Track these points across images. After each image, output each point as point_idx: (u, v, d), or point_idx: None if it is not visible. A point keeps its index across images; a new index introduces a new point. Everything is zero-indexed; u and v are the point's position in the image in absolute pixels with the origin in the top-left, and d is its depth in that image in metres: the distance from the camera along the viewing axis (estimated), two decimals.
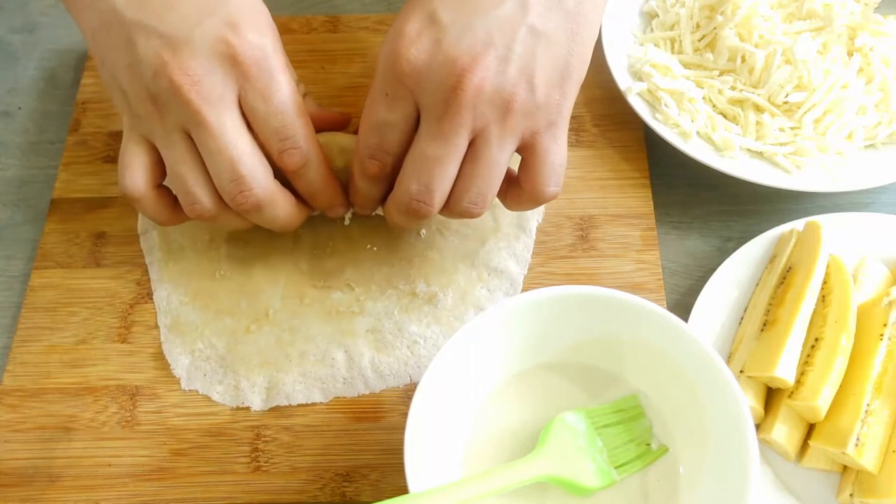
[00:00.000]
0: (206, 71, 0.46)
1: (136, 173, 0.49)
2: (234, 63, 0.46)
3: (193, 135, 0.47)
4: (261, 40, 0.47)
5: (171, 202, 0.51)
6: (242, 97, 0.47)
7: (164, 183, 0.50)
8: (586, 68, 0.48)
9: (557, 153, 0.48)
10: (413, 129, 0.47)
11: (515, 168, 0.49)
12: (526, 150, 0.47)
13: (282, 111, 0.47)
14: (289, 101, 0.48)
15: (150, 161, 0.49)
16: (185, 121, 0.46)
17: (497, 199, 0.50)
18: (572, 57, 0.46)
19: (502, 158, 0.47)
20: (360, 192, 0.51)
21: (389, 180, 0.50)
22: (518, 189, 0.49)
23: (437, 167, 0.46)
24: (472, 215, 0.48)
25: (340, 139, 0.53)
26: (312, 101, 0.57)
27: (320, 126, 0.53)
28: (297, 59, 0.66)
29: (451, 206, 0.48)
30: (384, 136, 0.48)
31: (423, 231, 0.57)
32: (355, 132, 0.50)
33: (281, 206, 0.50)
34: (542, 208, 0.59)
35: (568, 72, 0.46)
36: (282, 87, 0.47)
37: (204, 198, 0.48)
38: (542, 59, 0.45)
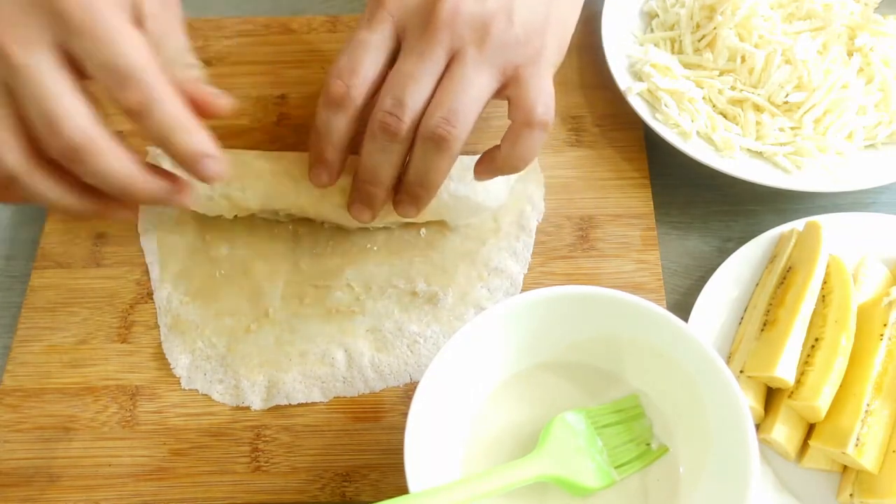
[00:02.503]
0: (22, 16, 0.41)
1: None
2: (51, 9, 0.42)
3: (13, 84, 0.42)
4: None
5: None
6: (69, 44, 0.42)
7: None
8: (570, 28, 0.50)
9: (542, 82, 0.48)
10: (389, 60, 0.48)
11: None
12: (510, 84, 0.48)
13: (114, 48, 0.42)
14: (123, 39, 0.42)
15: None
16: (3, 70, 0.42)
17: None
18: (552, 7, 0.49)
19: (478, 81, 0.47)
20: (321, 127, 0.49)
21: (353, 121, 0.49)
22: (511, 128, 0.49)
23: (411, 81, 0.47)
24: (443, 140, 0.47)
25: (341, 180, 0.54)
26: (201, 82, 0.48)
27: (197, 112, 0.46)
28: (297, 59, 0.66)
29: (424, 124, 0.47)
30: (356, 57, 0.48)
31: (424, 231, 0.57)
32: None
33: (107, 157, 0.42)
34: (542, 208, 0.59)
35: (547, 22, 0.49)
36: (112, 26, 0.42)
37: (8, 153, 0.42)
38: (521, 3, 0.48)
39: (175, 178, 0.47)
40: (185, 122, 0.44)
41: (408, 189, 0.51)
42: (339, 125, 0.49)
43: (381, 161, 0.49)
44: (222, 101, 0.47)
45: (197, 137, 0.44)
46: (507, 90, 0.49)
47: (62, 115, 0.42)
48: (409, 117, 0.47)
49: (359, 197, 0.52)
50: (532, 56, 0.49)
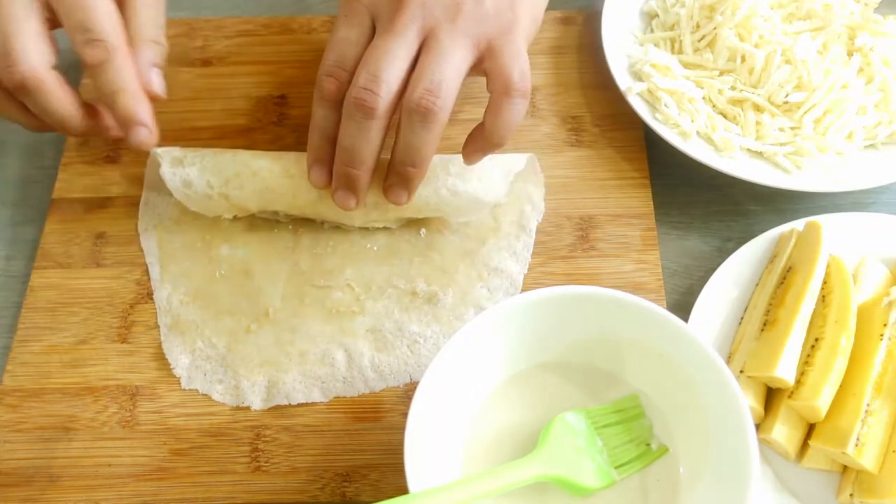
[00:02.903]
0: None
1: None
2: None
3: None
4: None
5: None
6: None
7: None
8: (541, 2, 0.52)
9: (517, 52, 0.49)
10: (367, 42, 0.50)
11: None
12: (485, 56, 0.49)
13: (89, 6, 0.48)
14: (98, 6, 0.49)
15: None
16: None
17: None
18: None
19: (456, 53, 0.48)
20: (317, 123, 0.51)
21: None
22: (491, 101, 0.49)
23: (384, 56, 0.48)
24: (429, 111, 0.48)
25: None
26: (156, 61, 0.53)
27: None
28: (298, 59, 0.66)
29: (407, 98, 0.48)
30: (341, 52, 0.50)
31: (423, 231, 0.57)
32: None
33: (52, 95, 0.49)
34: (542, 208, 0.59)
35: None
36: None
37: None
38: None
39: (103, 118, 0.53)
40: (131, 88, 0.50)
41: (397, 170, 0.51)
42: (330, 121, 0.51)
43: (360, 140, 0.50)
44: (154, 85, 0.52)
45: (137, 105, 0.50)
46: (484, 63, 0.50)
47: (19, 52, 0.48)
48: (384, 91, 0.48)
49: (341, 182, 0.52)
50: (505, 27, 0.49)
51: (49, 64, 0.49)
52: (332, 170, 0.52)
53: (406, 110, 0.48)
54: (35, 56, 0.48)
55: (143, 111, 0.50)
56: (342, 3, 0.51)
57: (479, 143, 0.51)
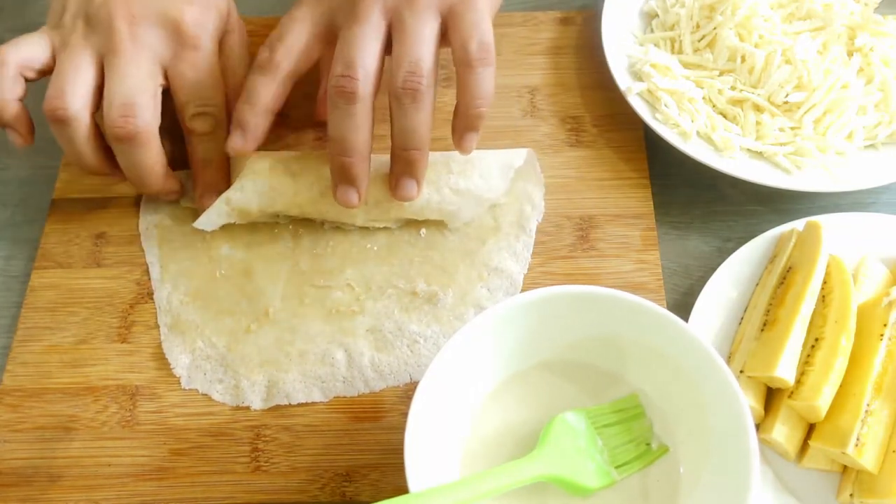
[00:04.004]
0: (148, 24, 0.52)
1: (78, 89, 0.51)
2: (177, 31, 0.53)
3: (106, 61, 0.51)
4: (204, 19, 0.54)
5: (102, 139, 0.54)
6: (173, 63, 0.53)
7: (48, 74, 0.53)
8: None
9: (477, 19, 0.50)
10: (317, 42, 0.52)
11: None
12: (448, 24, 0.50)
13: (207, 82, 0.54)
14: (215, 78, 0.55)
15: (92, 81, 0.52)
16: (105, 46, 0.51)
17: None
18: None
19: (425, 29, 0.50)
20: (246, 91, 0.53)
21: (279, 86, 0.53)
22: (457, 76, 0.50)
23: (356, 42, 0.49)
24: (415, 91, 0.49)
25: None
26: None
27: None
28: None
29: (392, 85, 0.49)
30: (284, 29, 0.53)
31: (423, 231, 0.57)
32: None
33: (151, 152, 0.52)
34: (542, 208, 0.59)
35: None
36: (211, 65, 0.54)
37: (73, 97, 0.51)
38: None
39: (181, 188, 0.58)
40: (221, 159, 0.56)
41: (401, 157, 0.52)
42: (264, 89, 0.53)
43: (348, 128, 0.50)
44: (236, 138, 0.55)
45: (222, 174, 0.57)
46: (448, 33, 0.50)
47: (139, 106, 0.51)
48: (361, 74, 0.49)
49: (339, 176, 0.52)
50: None
51: (157, 125, 0.53)
52: (251, 134, 0.54)
53: (394, 97, 0.49)
54: (150, 114, 0.52)
55: (224, 181, 0.57)
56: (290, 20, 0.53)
57: (460, 122, 0.52)
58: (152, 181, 0.54)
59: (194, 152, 0.56)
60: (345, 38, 0.50)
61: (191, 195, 0.58)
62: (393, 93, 0.49)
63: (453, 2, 0.50)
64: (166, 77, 0.54)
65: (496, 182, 0.55)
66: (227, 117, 0.55)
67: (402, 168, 0.52)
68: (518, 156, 0.56)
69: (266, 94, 0.53)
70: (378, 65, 0.50)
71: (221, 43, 0.57)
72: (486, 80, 0.50)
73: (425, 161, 0.52)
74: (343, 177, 0.52)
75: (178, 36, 0.53)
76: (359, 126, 0.50)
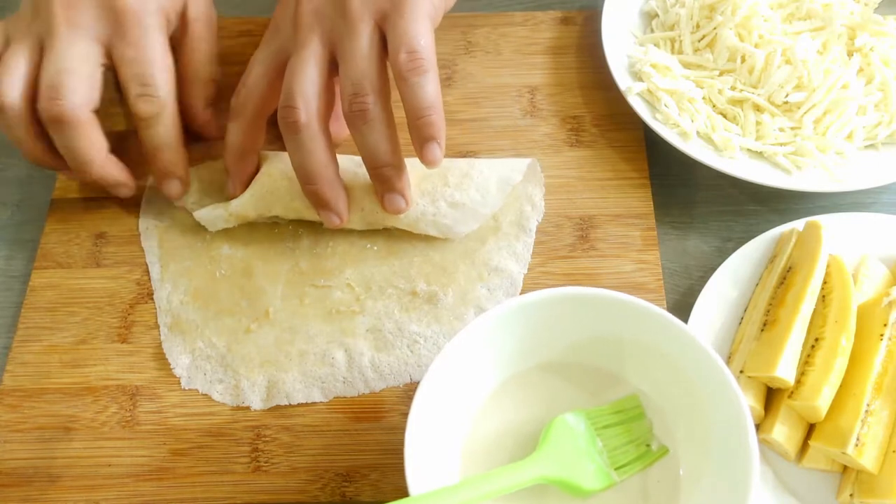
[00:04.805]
0: (85, 5, 0.51)
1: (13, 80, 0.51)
2: (112, 12, 0.51)
3: (46, 45, 0.51)
4: (143, 1, 0.52)
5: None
6: (113, 45, 0.52)
7: None
8: None
9: (409, 27, 0.48)
10: (277, 79, 0.52)
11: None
12: (383, 28, 0.49)
13: (148, 62, 0.52)
14: (158, 57, 0.52)
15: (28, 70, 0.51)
16: (44, 30, 0.51)
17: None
18: None
19: (362, 46, 0.49)
20: (225, 135, 0.54)
21: (252, 130, 0.54)
22: (396, 84, 0.49)
23: (294, 72, 0.49)
24: (364, 112, 0.48)
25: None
26: (209, 100, 0.59)
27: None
28: None
29: (345, 110, 0.49)
30: (247, 72, 0.54)
31: None
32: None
33: (84, 135, 0.51)
34: (542, 208, 0.59)
35: None
36: (154, 44, 0.52)
37: (9, 87, 0.50)
38: None
39: (127, 176, 0.56)
40: (174, 143, 0.54)
41: (375, 176, 0.52)
42: (233, 136, 0.54)
43: (302, 156, 0.50)
44: (210, 127, 0.58)
45: (177, 160, 0.54)
46: (384, 32, 0.50)
47: (67, 88, 0.50)
48: (301, 103, 0.49)
49: (314, 204, 0.53)
50: (394, 1, 0.49)
51: (91, 107, 0.51)
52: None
53: (348, 120, 0.49)
54: (80, 97, 0.50)
55: (180, 166, 0.55)
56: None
57: (413, 136, 0.50)
58: (90, 168, 0.53)
59: (142, 138, 0.54)
60: (288, 69, 0.50)
61: (185, 198, 0.58)
62: (346, 117, 0.49)
63: (386, 10, 0.49)
64: (111, 57, 0.52)
65: (492, 198, 0.55)
66: (180, 107, 0.54)
67: (381, 186, 0.52)
68: (517, 170, 0.56)
69: (236, 139, 0.54)
70: (319, 89, 0.50)
71: (182, 30, 0.56)
72: (423, 87, 0.48)
73: (401, 173, 0.52)
74: (316, 203, 0.53)
75: (115, 14, 0.51)
76: (311, 151, 0.50)
